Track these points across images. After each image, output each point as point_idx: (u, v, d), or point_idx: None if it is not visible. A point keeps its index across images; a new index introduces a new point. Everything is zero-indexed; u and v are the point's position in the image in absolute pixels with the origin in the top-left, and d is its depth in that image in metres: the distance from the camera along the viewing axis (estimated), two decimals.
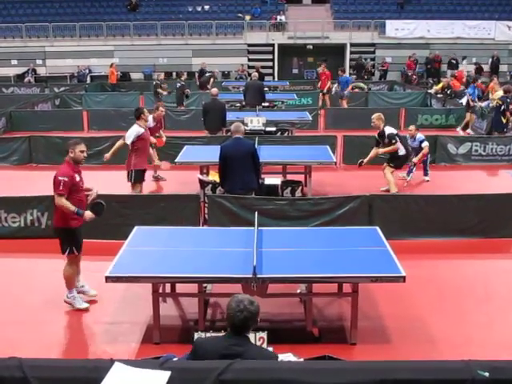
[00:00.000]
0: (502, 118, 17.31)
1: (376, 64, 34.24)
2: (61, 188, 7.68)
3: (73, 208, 7.69)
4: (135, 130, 11.40)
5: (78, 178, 7.92)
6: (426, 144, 13.81)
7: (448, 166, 15.71)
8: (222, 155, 10.19)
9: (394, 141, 12.55)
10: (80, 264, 8.26)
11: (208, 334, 5.12)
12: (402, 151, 12.71)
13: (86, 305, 8.10)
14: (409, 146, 13.23)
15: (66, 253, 7.94)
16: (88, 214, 7.82)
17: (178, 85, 23.09)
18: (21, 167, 16.01)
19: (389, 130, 12.70)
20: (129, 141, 11.34)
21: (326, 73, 24.95)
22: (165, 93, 22.84)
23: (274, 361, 4.94)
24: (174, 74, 33.52)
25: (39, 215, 10.62)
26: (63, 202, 7.68)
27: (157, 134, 13.44)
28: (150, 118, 12.99)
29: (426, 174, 14.20)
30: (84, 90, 28.93)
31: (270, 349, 5.32)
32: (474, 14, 34.94)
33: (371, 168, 13.54)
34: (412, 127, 14.15)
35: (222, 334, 4.86)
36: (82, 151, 7.91)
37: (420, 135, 14.03)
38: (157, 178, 13.97)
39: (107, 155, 12.12)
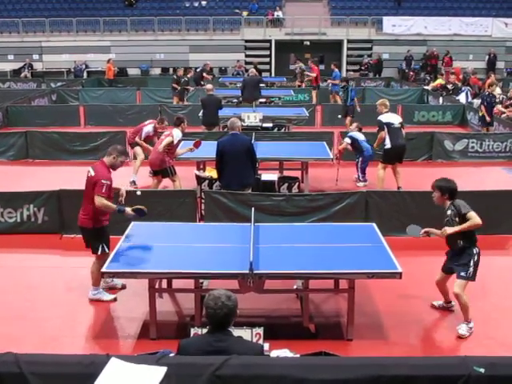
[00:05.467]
0: (479, 113, 17.72)
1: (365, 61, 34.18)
2: (103, 191, 7.87)
3: (114, 206, 7.92)
4: (180, 134, 12.10)
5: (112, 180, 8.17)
6: (345, 140, 13.44)
7: (444, 163, 15.73)
8: (218, 151, 10.21)
9: (378, 128, 12.51)
10: None
11: (204, 330, 5.12)
12: (387, 144, 12.53)
13: (112, 296, 8.24)
14: (399, 142, 12.63)
15: (99, 251, 8.06)
16: (129, 210, 7.99)
17: (183, 80, 23.22)
18: (17, 162, 15.98)
19: (381, 116, 12.61)
20: (176, 140, 12.00)
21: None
22: (192, 88, 23.37)
23: (270, 357, 4.96)
24: (171, 69, 33.49)
25: (35, 211, 10.59)
26: (104, 202, 7.87)
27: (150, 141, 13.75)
28: (152, 126, 13.60)
29: (358, 179, 13.67)
30: (81, 85, 28.84)
31: (266, 345, 5.34)
32: (471, 11, 34.95)
33: (369, 165, 13.59)
34: (352, 126, 13.82)
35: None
36: (122, 162, 8.24)
37: (351, 133, 13.60)
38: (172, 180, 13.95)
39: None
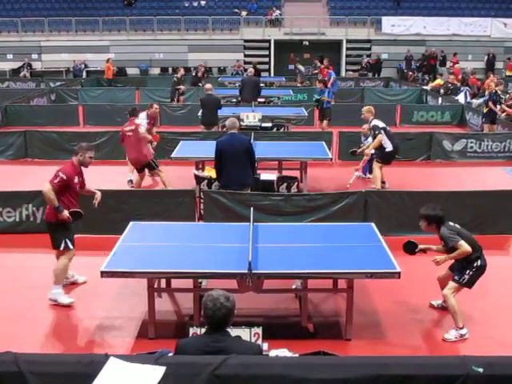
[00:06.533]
0: (484, 109, 17.82)
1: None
2: (56, 181, 7.89)
3: (56, 202, 7.86)
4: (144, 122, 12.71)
5: (76, 180, 8.12)
6: (370, 140, 13.33)
7: (443, 163, 15.73)
8: (217, 151, 10.20)
9: (377, 132, 12.51)
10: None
11: (203, 330, 5.11)
12: (388, 147, 12.56)
13: (70, 300, 8.09)
14: (395, 143, 12.77)
15: (61, 247, 8.05)
16: (66, 213, 7.92)
17: (173, 80, 23.25)
18: (16, 162, 15.97)
19: (375, 122, 12.67)
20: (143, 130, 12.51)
21: None
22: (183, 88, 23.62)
23: (268, 356, 4.97)
24: (171, 69, 33.50)
25: (34, 210, 10.60)
26: (51, 192, 7.87)
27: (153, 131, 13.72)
28: (144, 114, 13.29)
29: (364, 172, 13.88)
30: (80, 84, 28.84)
31: (265, 344, 5.34)
32: (470, 11, 34.99)
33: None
34: (365, 126, 13.70)
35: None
36: (90, 157, 8.29)
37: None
38: (152, 174, 13.94)
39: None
